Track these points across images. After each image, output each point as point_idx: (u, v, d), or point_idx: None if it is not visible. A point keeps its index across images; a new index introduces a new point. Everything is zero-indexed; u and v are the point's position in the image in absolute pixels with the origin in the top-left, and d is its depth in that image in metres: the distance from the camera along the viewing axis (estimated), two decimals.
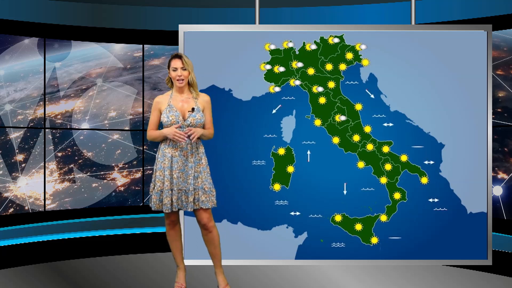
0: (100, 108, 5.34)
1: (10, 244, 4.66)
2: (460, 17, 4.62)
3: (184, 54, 3.23)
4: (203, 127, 3.23)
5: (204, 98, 3.26)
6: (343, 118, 3.75)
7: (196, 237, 3.68)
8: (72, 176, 5.20)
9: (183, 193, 3.15)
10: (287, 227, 3.77)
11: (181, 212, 3.73)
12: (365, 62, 3.74)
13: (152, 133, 3.24)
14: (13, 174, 4.95)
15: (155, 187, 3.16)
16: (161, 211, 3.20)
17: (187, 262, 3.71)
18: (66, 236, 4.97)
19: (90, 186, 5.26)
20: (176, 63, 3.16)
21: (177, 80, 3.17)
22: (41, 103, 5.08)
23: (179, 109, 3.18)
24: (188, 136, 3.12)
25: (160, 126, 3.26)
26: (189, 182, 3.14)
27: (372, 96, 3.75)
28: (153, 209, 3.17)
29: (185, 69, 3.17)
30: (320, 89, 3.75)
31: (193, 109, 3.18)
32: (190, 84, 3.22)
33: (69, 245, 4.89)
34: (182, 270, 3.33)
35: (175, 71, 3.17)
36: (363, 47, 3.74)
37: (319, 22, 5.08)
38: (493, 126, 4.06)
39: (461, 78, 3.73)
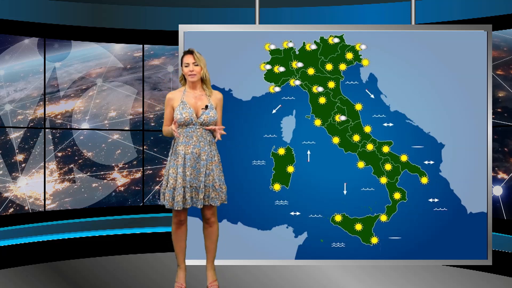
0: (100, 108, 5.34)
1: (10, 244, 4.66)
2: (460, 17, 4.62)
3: (196, 50, 3.21)
4: (215, 125, 3.25)
5: (217, 96, 3.28)
6: (343, 118, 3.75)
7: (196, 237, 3.67)
8: (72, 176, 5.20)
9: (193, 190, 3.16)
10: (287, 227, 3.77)
11: None
12: (365, 62, 3.74)
13: (166, 129, 3.28)
14: (13, 174, 4.95)
15: (168, 185, 3.16)
16: (173, 209, 3.19)
17: (187, 262, 3.71)
18: (66, 236, 4.97)
19: (90, 186, 5.26)
20: (188, 58, 3.17)
21: (189, 75, 3.18)
22: (41, 103, 5.08)
23: (193, 106, 3.19)
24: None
25: None
26: (200, 179, 3.15)
27: (372, 96, 3.75)
28: (166, 207, 3.17)
29: (197, 65, 3.18)
30: (320, 89, 3.75)
31: (206, 107, 3.18)
32: (203, 81, 3.23)
33: (69, 245, 4.89)
34: (183, 270, 3.34)
35: (187, 66, 3.18)
36: (363, 47, 3.74)
37: (319, 22, 5.08)
38: (493, 126, 4.06)
39: (461, 78, 3.73)
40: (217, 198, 3.19)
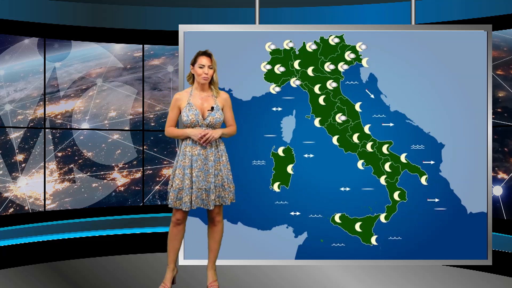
0: (100, 108, 5.34)
1: (10, 244, 4.67)
2: (460, 17, 4.63)
3: (212, 53, 3.23)
4: (225, 125, 3.29)
5: (223, 96, 3.29)
6: (343, 118, 3.75)
7: (196, 237, 3.68)
8: (72, 176, 5.20)
9: (203, 192, 3.16)
10: (287, 227, 3.77)
11: None
12: (365, 62, 3.74)
13: (172, 130, 3.24)
14: (13, 174, 4.95)
15: (173, 185, 3.16)
16: (179, 209, 3.17)
17: (187, 262, 3.71)
18: (66, 236, 4.97)
19: (90, 186, 5.26)
20: (204, 60, 3.19)
21: (203, 77, 3.19)
22: (41, 103, 5.08)
23: (199, 107, 3.20)
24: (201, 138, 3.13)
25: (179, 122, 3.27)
26: (209, 180, 3.16)
27: (372, 96, 3.75)
28: (169, 206, 3.17)
29: (211, 68, 3.20)
30: (320, 89, 3.75)
31: (212, 108, 3.19)
32: (210, 83, 3.26)
33: (69, 245, 4.89)
34: (171, 270, 3.31)
35: (202, 68, 3.19)
36: (363, 47, 3.74)
37: (319, 22, 5.08)
38: (493, 126, 4.06)
39: (461, 78, 3.73)
40: (226, 198, 3.21)
